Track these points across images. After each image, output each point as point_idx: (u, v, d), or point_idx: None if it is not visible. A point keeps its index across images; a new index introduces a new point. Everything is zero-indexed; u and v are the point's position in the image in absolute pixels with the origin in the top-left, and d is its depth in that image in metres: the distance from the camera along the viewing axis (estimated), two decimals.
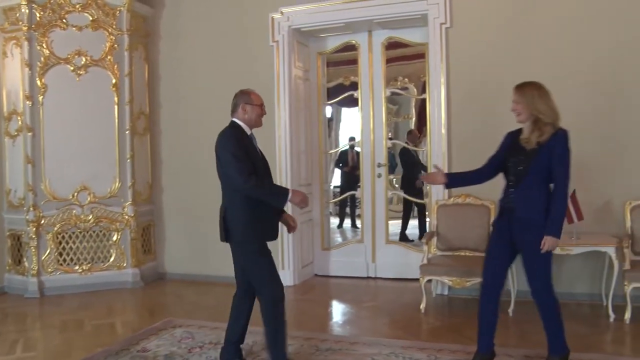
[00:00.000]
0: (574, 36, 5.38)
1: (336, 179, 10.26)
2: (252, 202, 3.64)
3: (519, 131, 3.68)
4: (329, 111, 8.57)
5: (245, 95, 3.83)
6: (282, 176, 6.40)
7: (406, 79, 8.02)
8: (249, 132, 3.81)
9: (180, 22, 6.89)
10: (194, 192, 6.88)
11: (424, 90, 6.58)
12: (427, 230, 6.82)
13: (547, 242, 3.47)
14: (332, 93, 7.26)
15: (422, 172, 7.64)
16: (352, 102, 6.95)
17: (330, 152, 8.53)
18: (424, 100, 6.55)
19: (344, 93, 7.09)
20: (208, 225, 6.75)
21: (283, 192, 3.71)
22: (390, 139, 7.81)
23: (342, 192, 9.34)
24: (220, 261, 6.69)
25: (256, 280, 3.75)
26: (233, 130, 3.75)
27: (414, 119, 9.57)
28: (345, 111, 10.23)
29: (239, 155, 3.60)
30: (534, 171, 3.52)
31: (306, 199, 3.77)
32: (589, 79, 5.34)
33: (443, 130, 5.82)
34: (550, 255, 3.56)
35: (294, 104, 6.48)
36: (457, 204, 5.64)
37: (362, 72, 6.69)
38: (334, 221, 9.53)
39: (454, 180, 4.02)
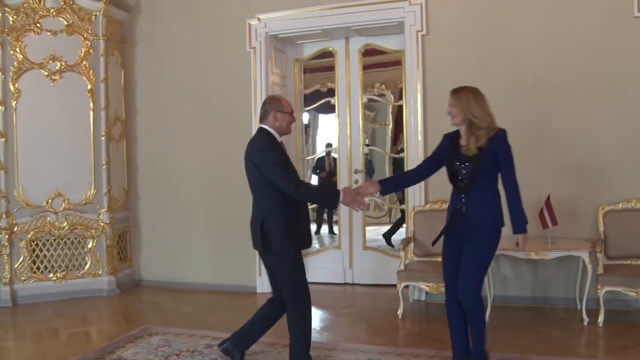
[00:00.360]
0: (548, 43, 5.45)
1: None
2: (292, 211, 3.67)
3: (457, 133, 3.74)
4: (306, 118, 8.58)
5: (277, 102, 3.80)
6: None
7: (383, 86, 8.05)
8: (279, 140, 3.79)
9: (157, 27, 6.84)
10: (170, 198, 6.84)
11: (400, 97, 6.61)
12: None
13: (520, 240, 3.62)
14: (309, 99, 7.27)
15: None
16: (329, 108, 6.97)
17: (308, 158, 8.54)
18: (400, 107, 6.58)
19: (321, 99, 7.11)
20: (184, 231, 6.76)
21: (335, 194, 3.73)
22: (367, 145, 7.84)
23: None
24: (196, 268, 6.71)
25: (289, 289, 3.76)
26: (268, 138, 3.72)
27: (391, 125, 9.62)
28: (323, 117, 10.23)
29: (283, 163, 3.62)
30: (482, 175, 3.58)
31: (358, 200, 3.72)
32: (561, 85, 5.42)
33: (419, 137, 5.87)
34: (490, 261, 3.68)
35: None
36: (433, 209, 5.68)
37: (339, 79, 6.70)
38: (311, 227, 9.51)
39: (388, 186, 3.96)
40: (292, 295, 3.76)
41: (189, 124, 6.73)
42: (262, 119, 3.80)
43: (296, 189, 3.56)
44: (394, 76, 7.46)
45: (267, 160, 3.60)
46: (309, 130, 10.07)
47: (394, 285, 5.45)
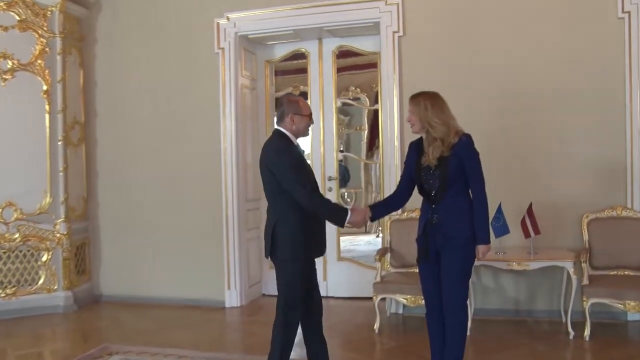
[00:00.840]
0: (529, 45, 5.35)
1: None
2: (307, 217, 3.54)
3: (421, 140, 3.63)
4: None
5: (294, 104, 3.67)
6: (227, 191, 6.14)
7: (358, 89, 7.92)
8: (295, 142, 3.67)
9: (118, 25, 6.58)
10: (133, 207, 6.57)
11: (376, 101, 6.50)
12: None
13: (480, 250, 3.48)
14: None
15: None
16: None
17: None
18: (376, 111, 6.42)
19: None
20: (148, 243, 6.51)
21: (343, 212, 3.62)
22: (342, 151, 7.64)
23: None
24: (161, 282, 6.51)
25: (283, 299, 3.62)
26: (284, 142, 3.61)
27: (366, 130, 9.47)
28: None
29: (298, 169, 3.54)
30: (449, 184, 3.46)
31: (365, 221, 3.69)
32: (543, 89, 5.31)
33: (396, 143, 5.71)
34: (471, 270, 3.58)
35: (240, 114, 6.25)
36: (410, 218, 5.49)
37: (312, 82, 6.53)
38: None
39: (378, 211, 3.86)
40: (283, 307, 3.61)
41: (153, 128, 6.48)
42: (279, 121, 3.69)
43: (309, 197, 3.48)
44: (370, 79, 7.34)
45: (283, 164, 3.52)
46: None
47: (370, 298, 5.29)
